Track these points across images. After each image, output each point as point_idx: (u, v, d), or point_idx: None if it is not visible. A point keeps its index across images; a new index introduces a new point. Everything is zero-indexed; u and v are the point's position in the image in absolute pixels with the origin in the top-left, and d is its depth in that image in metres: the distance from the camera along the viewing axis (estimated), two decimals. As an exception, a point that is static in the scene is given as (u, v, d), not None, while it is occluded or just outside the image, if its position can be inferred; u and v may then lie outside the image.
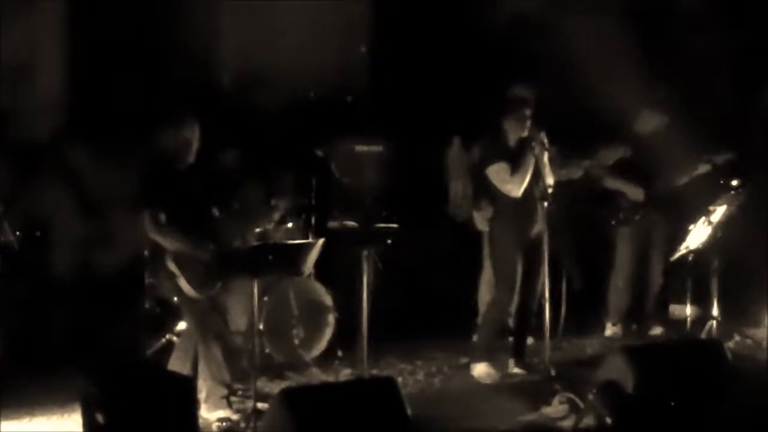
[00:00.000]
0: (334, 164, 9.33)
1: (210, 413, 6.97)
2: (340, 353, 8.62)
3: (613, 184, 9.36)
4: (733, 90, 10.66)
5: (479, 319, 8.65)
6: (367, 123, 9.84)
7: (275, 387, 7.67)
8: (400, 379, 7.61)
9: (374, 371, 8.00)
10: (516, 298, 8.19)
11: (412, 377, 8.23)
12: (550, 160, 8.02)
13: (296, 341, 8.40)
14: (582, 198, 9.20)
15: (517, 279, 8.07)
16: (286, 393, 5.81)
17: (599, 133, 9.40)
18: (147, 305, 8.57)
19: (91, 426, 5.70)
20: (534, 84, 8.68)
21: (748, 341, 8.96)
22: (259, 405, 6.75)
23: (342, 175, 9.39)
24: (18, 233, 7.82)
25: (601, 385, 6.46)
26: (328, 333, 8.58)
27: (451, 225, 9.12)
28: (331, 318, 8.58)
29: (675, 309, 9.94)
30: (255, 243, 7.85)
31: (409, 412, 5.79)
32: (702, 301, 9.24)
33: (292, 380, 8.06)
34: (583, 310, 9.43)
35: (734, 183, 8.90)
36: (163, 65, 9.18)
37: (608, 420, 6.36)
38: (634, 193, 9.31)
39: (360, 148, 9.62)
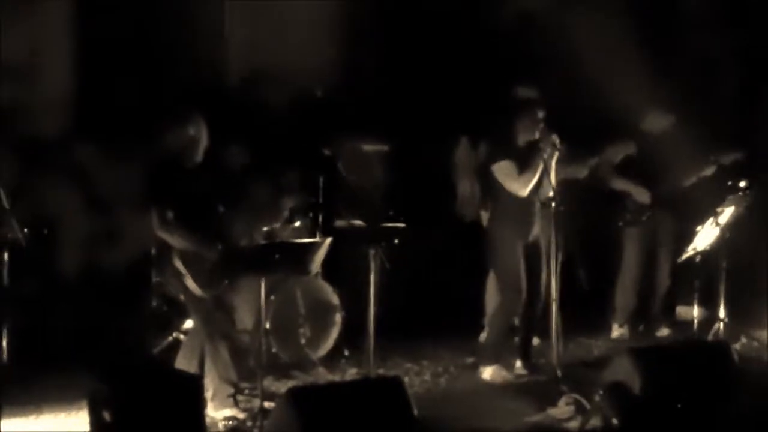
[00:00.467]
0: (341, 163, 9.32)
1: (216, 412, 6.98)
2: (346, 352, 8.62)
3: (619, 184, 9.35)
4: (739, 90, 10.65)
5: (486, 320, 8.64)
6: (374, 122, 9.83)
7: (282, 386, 7.70)
8: (406, 379, 7.62)
9: (381, 371, 7.99)
10: (523, 300, 8.18)
11: (418, 377, 8.23)
12: (558, 160, 8.01)
13: (303, 340, 8.40)
14: (589, 199, 9.19)
15: (522, 281, 8.05)
16: (292, 392, 5.81)
17: (605, 132, 9.39)
18: (154, 303, 8.57)
19: (97, 424, 5.70)
20: (539, 83, 8.68)
21: (755, 343, 8.94)
22: (266, 404, 6.76)
23: (349, 174, 9.38)
24: (25, 230, 7.81)
25: (608, 386, 6.46)
26: (334, 332, 8.57)
27: (458, 224, 9.10)
28: (337, 317, 8.57)
29: (682, 310, 9.93)
30: (262, 242, 7.85)
31: (415, 411, 5.79)
32: (709, 303, 9.23)
33: (299, 379, 8.06)
34: (590, 311, 9.42)
35: (742, 184, 8.89)
36: (169, 63, 9.18)
37: (615, 421, 6.36)
38: (641, 194, 9.29)
39: (367, 147, 9.62)
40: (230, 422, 6.92)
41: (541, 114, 8.01)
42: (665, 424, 6.31)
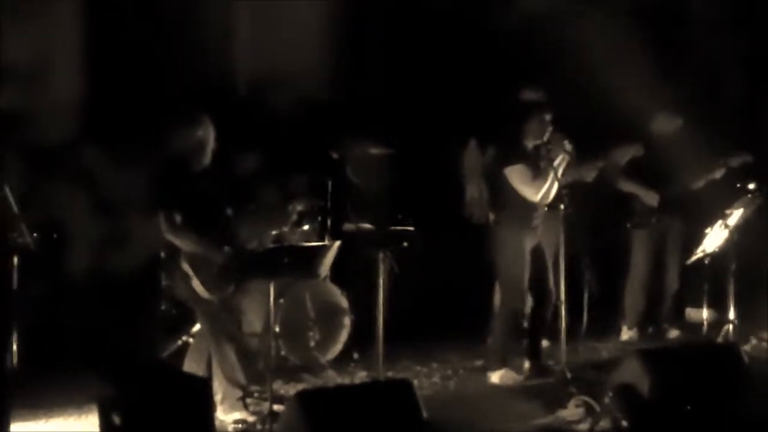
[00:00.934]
0: (349, 166, 9.34)
1: (226, 415, 6.98)
2: (355, 355, 8.62)
3: (628, 187, 9.35)
4: (748, 92, 10.64)
5: (491, 324, 8.63)
6: (381, 125, 9.83)
7: (291, 389, 7.70)
8: (415, 382, 7.58)
9: (390, 373, 7.99)
10: (528, 301, 8.18)
11: (427, 379, 8.23)
12: (570, 161, 8.00)
13: (312, 343, 8.40)
14: (597, 201, 9.18)
15: (524, 283, 8.05)
16: (301, 395, 5.82)
17: (613, 135, 9.39)
18: (163, 307, 8.57)
19: (107, 427, 5.70)
20: (546, 85, 8.68)
21: (765, 344, 8.93)
22: (275, 407, 6.76)
23: (357, 178, 9.39)
24: (35, 234, 7.83)
25: (617, 388, 6.45)
26: (343, 335, 8.58)
27: (466, 227, 9.10)
28: (346, 320, 8.58)
29: (691, 312, 9.93)
30: (271, 245, 7.86)
31: (424, 414, 5.79)
32: (718, 305, 9.23)
33: (308, 382, 8.06)
34: (600, 313, 9.41)
35: (750, 186, 8.88)
36: (177, 67, 9.19)
37: (624, 423, 6.35)
38: (649, 197, 9.29)
39: (375, 150, 9.61)
40: (240, 425, 6.93)
41: (548, 117, 8.01)
42: (674, 426, 6.30)
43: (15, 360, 7.18)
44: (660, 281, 9.53)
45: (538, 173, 7.92)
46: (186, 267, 7.01)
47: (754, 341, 8.91)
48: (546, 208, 8.03)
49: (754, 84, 10.65)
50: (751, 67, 10.64)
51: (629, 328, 9.53)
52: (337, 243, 7.24)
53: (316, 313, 8.46)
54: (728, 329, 8.84)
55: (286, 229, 8.41)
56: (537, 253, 8.10)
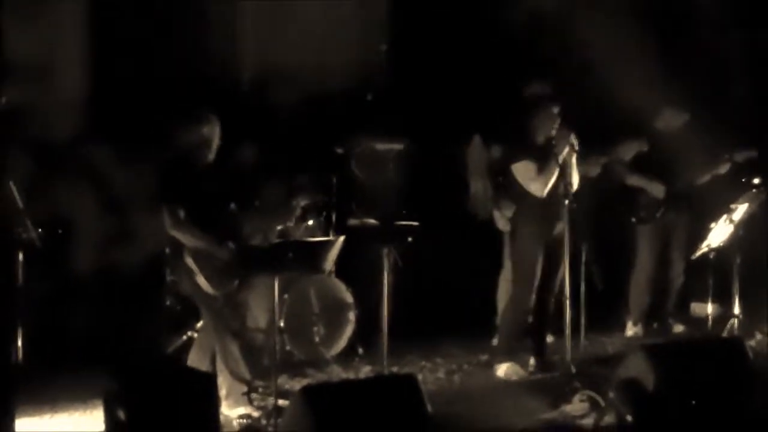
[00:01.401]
0: (354, 162, 9.34)
1: (231, 410, 6.99)
2: (360, 351, 8.63)
3: (634, 180, 9.34)
4: (753, 87, 10.62)
5: (498, 318, 8.65)
6: (387, 120, 9.84)
7: (296, 384, 7.70)
8: (420, 377, 7.59)
9: (395, 368, 8.01)
10: (534, 296, 8.19)
11: (432, 375, 8.24)
12: (577, 155, 7.99)
13: (317, 339, 8.42)
14: (603, 196, 9.18)
15: (536, 277, 8.07)
16: (306, 390, 5.82)
17: (618, 130, 9.38)
18: (168, 302, 8.60)
19: (112, 423, 5.72)
20: (553, 81, 8.67)
21: (770, 339, 8.93)
22: (280, 402, 6.77)
23: (362, 173, 9.39)
24: (40, 231, 7.84)
25: (622, 383, 6.45)
26: (348, 330, 8.59)
27: (471, 223, 9.10)
28: (351, 315, 8.59)
29: (696, 307, 9.93)
30: (275, 240, 7.86)
31: (429, 409, 5.79)
32: (723, 300, 9.22)
33: (313, 377, 8.07)
34: (604, 308, 9.40)
35: (756, 181, 8.88)
36: (183, 64, 9.19)
37: (629, 418, 6.35)
38: (656, 189, 9.28)
39: (380, 145, 9.62)
40: (245, 420, 6.94)
41: (556, 111, 8.01)
42: (679, 421, 6.30)
43: (20, 356, 7.20)
44: (665, 276, 9.52)
45: (543, 168, 7.92)
46: (190, 262, 7.03)
47: (758, 336, 8.89)
48: (561, 202, 8.02)
49: (760, 79, 10.62)
50: (756, 63, 10.61)
51: (634, 323, 9.53)
52: (342, 238, 7.24)
53: (320, 308, 8.47)
54: (733, 324, 8.83)
55: (290, 224, 8.41)
56: (554, 247, 8.07)
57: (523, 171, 8.01)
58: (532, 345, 8.30)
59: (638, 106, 9.26)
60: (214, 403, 5.89)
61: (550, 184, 7.95)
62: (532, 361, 8.24)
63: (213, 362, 7.16)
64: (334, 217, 8.91)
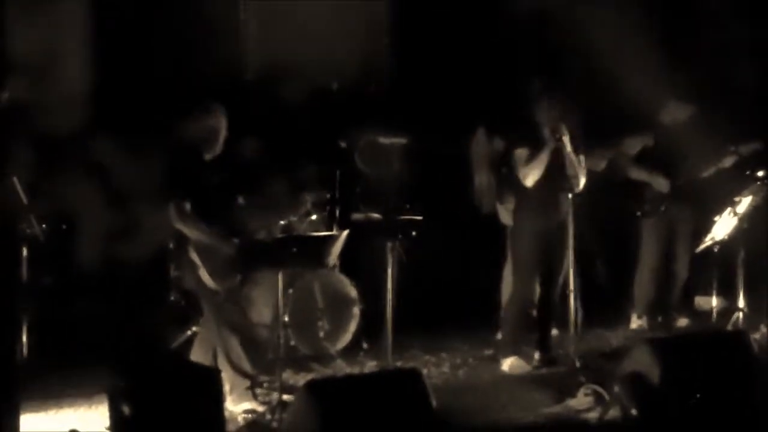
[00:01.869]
0: (358, 156, 9.34)
1: (235, 405, 6.98)
2: (365, 345, 8.63)
3: (638, 174, 9.32)
4: (759, 80, 10.59)
5: (501, 313, 8.64)
6: (390, 115, 9.83)
7: (300, 379, 7.71)
8: (425, 371, 7.62)
9: (399, 363, 8.01)
10: (538, 290, 8.18)
11: (436, 369, 8.24)
12: (575, 150, 7.97)
13: (321, 333, 8.42)
14: (607, 189, 9.17)
15: (537, 270, 8.07)
16: (311, 385, 5.83)
17: (623, 123, 9.37)
18: (172, 297, 8.60)
19: (117, 418, 5.73)
20: (557, 75, 8.66)
21: (774, 333, 8.92)
22: (285, 397, 6.77)
23: (366, 167, 9.39)
24: (44, 226, 7.86)
25: (627, 376, 6.45)
26: (352, 325, 8.59)
27: (475, 216, 9.10)
28: (355, 310, 8.59)
29: (701, 300, 9.91)
30: (279, 235, 7.86)
31: (434, 403, 5.79)
32: (728, 293, 9.21)
33: (318, 372, 8.07)
34: (609, 301, 9.41)
35: (760, 174, 8.86)
36: (185, 59, 9.19)
37: (633, 412, 6.36)
38: (660, 183, 9.26)
39: (383, 139, 9.61)
40: (249, 415, 6.93)
41: (559, 105, 7.98)
42: (684, 415, 6.30)
43: (24, 351, 7.22)
44: (669, 269, 9.51)
45: (532, 158, 7.92)
46: (194, 256, 7.02)
47: (763, 329, 8.85)
48: (561, 195, 8.00)
49: (765, 72, 10.60)
50: (761, 56, 10.58)
51: (639, 317, 9.52)
52: (346, 232, 7.24)
53: (325, 303, 8.47)
54: (737, 317, 8.82)
55: (294, 218, 8.41)
56: (554, 239, 8.07)
57: (516, 158, 8.03)
58: (536, 339, 8.29)
59: (643, 99, 9.24)
60: (218, 398, 5.89)
61: (537, 176, 7.93)
62: (536, 355, 8.24)
63: (215, 357, 7.15)
64: (337, 212, 8.90)
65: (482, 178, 8.97)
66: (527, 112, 8.13)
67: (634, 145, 9.30)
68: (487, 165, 8.88)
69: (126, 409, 5.61)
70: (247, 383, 7.09)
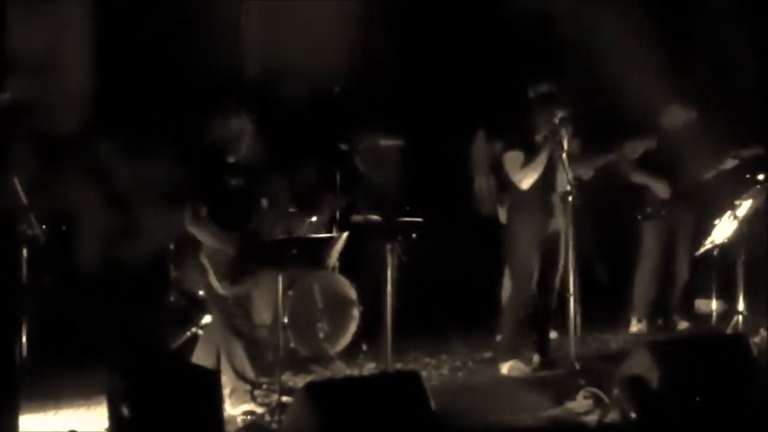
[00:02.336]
0: (358, 158, 9.33)
1: (234, 408, 6.99)
2: (364, 347, 8.63)
3: (639, 178, 9.32)
4: (760, 84, 10.60)
5: (501, 316, 8.63)
6: (390, 117, 9.83)
7: (300, 381, 7.71)
8: (424, 373, 7.62)
9: (399, 365, 8.00)
10: (534, 292, 8.18)
11: (436, 371, 8.24)
12: (569, 155, 7.95)
13: (321, 335, 8.41)
14: (608, 193, 9.16)
15: (533, 274, 8.06)
16: (310, 387, 5.82)
17: (625, 127, 9.37)
18: (172, 298, 8.60)
19: (116, 419, 5.72)
20: (558, 78, 8.65)
21: (774, 336, 8.91)
22: (284, 398, 6.76)
23: (366, 169, 9.39)
24: (44, 226, 7.84)
25: (626, 379, 6.45)
26: (352, 327, 8.59)
27: (475, 218, 9.10)
28: (355, 312, 8.59)
29: (701, 304, 9.91)
30: (280, 236, 7.86)
31: (433, 406, 5.79)
32: (728, 296, 9.21)
33: (317, 374, 8.08)
34: (609, 304, 9.40)
35: (760, 177, 8.86)
36: (189, 58, 9.19)
37: (633, 415, 6.35)
38: (660, 188, 9.26)
39: (384, 141, 9.61)
40: (248, 417, 6.93)
41: (560, 114, 7.96)
42: (683, 418, 6.30)
43: (24, 351, 7.21)
44: (669, 272, 9.51)
45: (528, 161, 7.91)
46: (205, 261, 7.04)
47: (763, 333, 8.85)
48: (556, 198, 8.00)
49: (766, 75, 10.60)
50: (763, 58, 10.58)
51: (638, 320, 9.51)
52: (346, 234, 7.23)
53: (324, 304, 8.47)
54: (737, 320, 8.81)
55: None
56: (550, 244, 8.07)
57: (509, 161, 8.02)
58: (535, 342, 8.29)
59: (644, 102, 9.24)
60: (217, 399, 5.89)
61: (532, 179, 7.92)
62: (536, 358, 8.24)
63: (218, 360, 7.15)
64: (337, 213, 8.90)
65: (482, 181, 8.97)
66: (524, 114, 8.12)
67: (636, 149, 9.29)
68: (487, 168, 8.88)
69: (125, 410, 5.61)
70: (248, 387, 7.10)
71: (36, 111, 8.49)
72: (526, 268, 8.09)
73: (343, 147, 9.21)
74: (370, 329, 8.44)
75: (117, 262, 8.68)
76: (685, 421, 6.30)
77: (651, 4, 10.09)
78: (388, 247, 7.53)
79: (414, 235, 7.66)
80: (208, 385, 5.87)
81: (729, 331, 8.69)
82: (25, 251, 7.36)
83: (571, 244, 7.87)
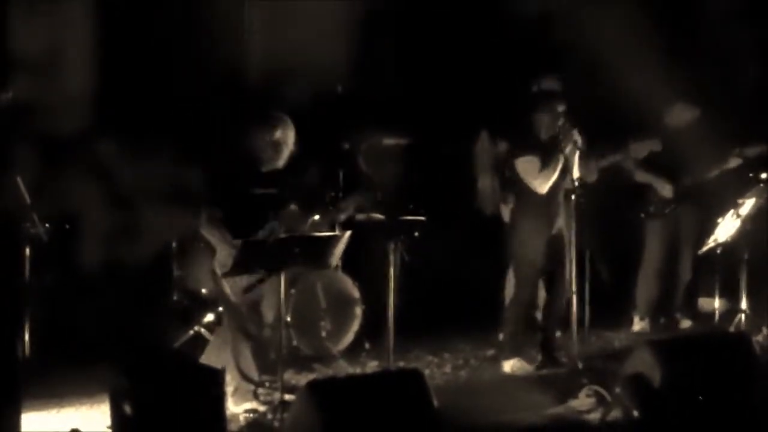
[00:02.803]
0: (361, 157, 9.33)
1: (237, 406, 6.99)
2: (367, 345, 8.63)
3: (643, 177, 9.32)
4: (763, 82, 10.59)
5: (504, 314, 8.63)
6: (393, 116, 9.83)
7: (302, 379, 7.71)
8: (427, 372, 7.62)
9: (401, 363, 8.00)
10: (541, 294, 8.17)
11: (439, 369, 8.24)
12: (582, 154, 7.95)
13: (323, 333, 8.42)
14: (611, 192, 9.16)
15: (538, 273, 8.06)
16: (312, 385, 5.83)
17: (629, 126, 9.36)
18: (175, 297, 8.61)
19: (119, 417, 5.73)
20: (561, 77, 8.65)
21: (777, 334, 8.91)
22: (286, 397, 6.76)
23: (369, 168, 9.38)
24: (47, 225, 7.86)
25: (629, 378, 6.45)
26: (355, 325, 8.59)
27: (478, 218, 9.10)
28: (358, 310, 8.59)
29: (704, 302, 9.91)
30: (282, 235, 7.86)
31: (435, 404, 5.79)
32: (730, 295, 9.22)
33: (319, 372, 8.08)
34: (611, 303, 9.40)
35: (763, 176, 8.86)
36: (191, 59, 9.20)
37: (635, 413, 6.35)
38: (665, 188, 9.26)
39: (387, 141, 9.61)
40: (251, 415, 6.94)
41: (560, 108, 7.98)
42: (686, 416, 6.30)
43: (27, 350, 7.22)
44: (672, 271, 9.51)
45: (546, 165, 7.89)
46: (218, 268, 7.04)
47: (765, 331, 8.86)
48: (562, 199, 8.00)
49: (767, 74, 10.61)
50: (766, 58, 10.58)
51: (641, 319, 9.52)
52: (348, 233, 7.23)
53: (327, 303, 8.47)
54: (740, 319, 8.83)
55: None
56: (555, 244, 8.07)
57: (526, 167, 7.99)
58: (539, 340, 8.29)
59: (647, 101, 9.24)
60: (220, 397, 5.89)
61: (551, 182, 7.92)
62: (538, 356, 8.23)
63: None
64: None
65: (486, 181, 8.97)
66: (529, 115, 8.12)
67: (641, 150, 9.28)
68: (491, 167, 8.88)
69: (128, 409, 5.61)
70: (251, 387, 7.11)
71: (38, 110, 8.49)
72: (529, 267, 8.10)
73: (346, 146, 9.21)
74: (372, 327, 8.45)
75: (119, 261, 8.67)
76: (687, 420, 6.30)
77: (651, 4, 10.08)
78: (391, 245, 7.54)
79: (417, 234, 7.67)
80: (211, 383, 5.87)
81: (731, 329, 8.70)
82: (27, 250, 7.38)
83: (574, 242, 7.87)
